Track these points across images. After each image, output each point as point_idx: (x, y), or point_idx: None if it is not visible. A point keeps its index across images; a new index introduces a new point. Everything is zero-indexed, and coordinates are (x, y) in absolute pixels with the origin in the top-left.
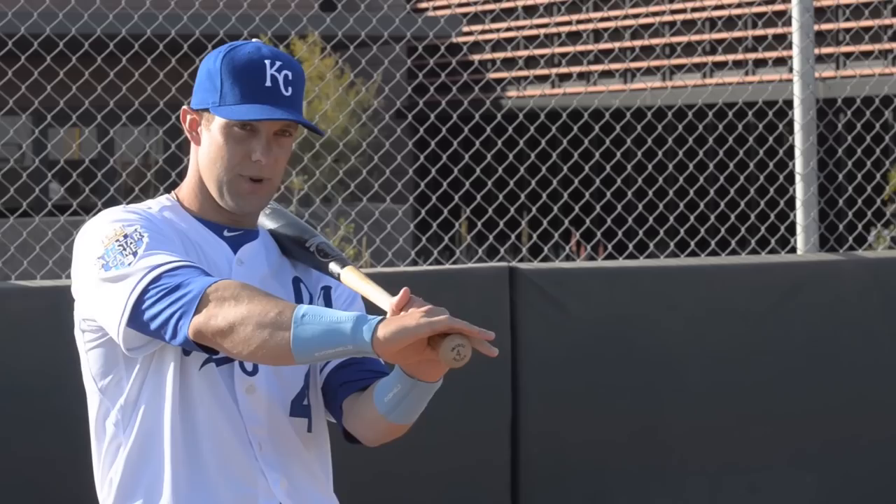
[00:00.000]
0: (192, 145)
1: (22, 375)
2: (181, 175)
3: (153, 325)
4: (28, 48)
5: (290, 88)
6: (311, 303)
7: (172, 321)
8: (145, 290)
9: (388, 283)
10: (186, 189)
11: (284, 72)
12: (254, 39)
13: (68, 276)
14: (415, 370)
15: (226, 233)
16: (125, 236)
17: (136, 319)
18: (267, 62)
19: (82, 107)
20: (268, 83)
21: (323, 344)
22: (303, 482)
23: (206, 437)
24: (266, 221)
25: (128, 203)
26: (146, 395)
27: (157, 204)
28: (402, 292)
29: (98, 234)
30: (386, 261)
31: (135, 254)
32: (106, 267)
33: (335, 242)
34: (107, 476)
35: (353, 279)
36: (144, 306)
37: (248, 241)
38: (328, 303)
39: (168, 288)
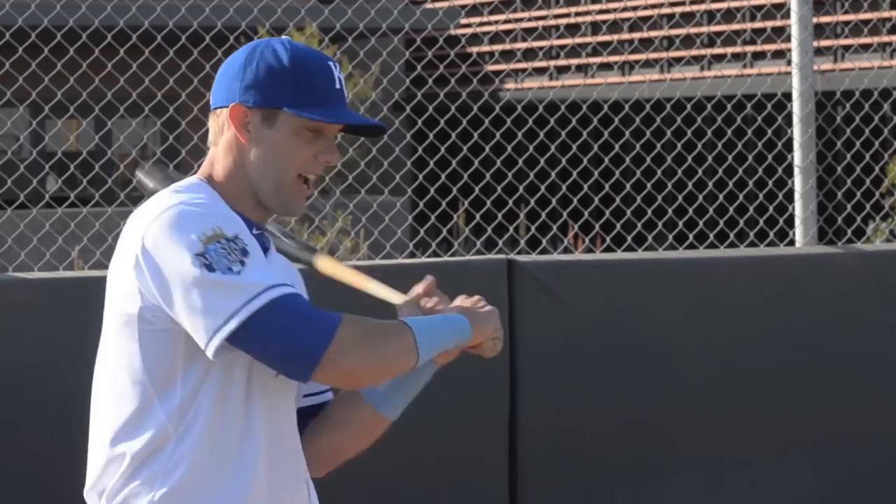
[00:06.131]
0: (237, 141)
1: (19, 367)
2: (178, 166)
3: (259, 348)
4: (25, 39)
5: (345, 90)
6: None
7: (294, 353)
8: (260, 312)
9: (387, 276)
10: (224, 183)
11: (340, 73)
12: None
13: (66, 268)
14: None
15: (254, 231)
16: (227, 239)
17: (242, 338)
18: (330, 63)
19: (80, 98)
20: (337, 85)
21: (438, 345)
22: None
23: (260, 437)
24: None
25: (130, 196)
26: (208, 397)
27: (208, 196)
28: (428, 282)
29: (187, 226)
30: (384, 253)
31: (242, 262)
32: (210, 268)
33: (333, 235)
34: (123, 452)
35: (330, 267)
36: (257, 329)
37: (267, 240)
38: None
39: (293, 316)
